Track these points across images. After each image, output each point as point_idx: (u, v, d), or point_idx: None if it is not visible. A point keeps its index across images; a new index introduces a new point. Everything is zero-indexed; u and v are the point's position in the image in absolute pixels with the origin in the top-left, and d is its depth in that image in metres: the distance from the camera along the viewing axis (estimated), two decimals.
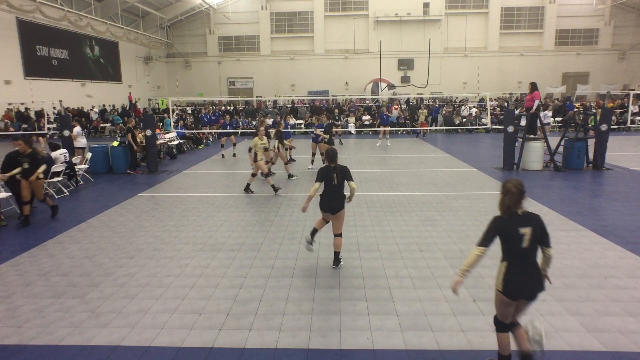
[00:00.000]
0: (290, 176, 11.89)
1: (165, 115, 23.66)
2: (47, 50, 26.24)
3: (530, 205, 8.53)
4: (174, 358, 3.84)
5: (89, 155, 12.43)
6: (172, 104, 25.08)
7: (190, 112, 28.24)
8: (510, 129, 12.37)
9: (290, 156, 14.86)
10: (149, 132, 12.69)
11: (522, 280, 3.26)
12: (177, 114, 25.84)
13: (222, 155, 16.19)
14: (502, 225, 3.27)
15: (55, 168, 10.08)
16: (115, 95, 32.65)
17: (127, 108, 29.72)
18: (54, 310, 4.67)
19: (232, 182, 11.63)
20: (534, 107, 12.11)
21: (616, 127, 23.01)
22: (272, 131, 12.96)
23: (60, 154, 10.58)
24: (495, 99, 30.80)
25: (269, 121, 24.37)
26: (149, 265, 5.87)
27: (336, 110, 26.29)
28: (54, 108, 25.30)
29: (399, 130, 23.59)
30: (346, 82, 40.36)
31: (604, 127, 12.37)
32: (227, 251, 6.37)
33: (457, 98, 34.54)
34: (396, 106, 25.97)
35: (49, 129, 20.36)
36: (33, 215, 8.41)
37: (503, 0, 39.00)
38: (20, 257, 6.25)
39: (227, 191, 10.46)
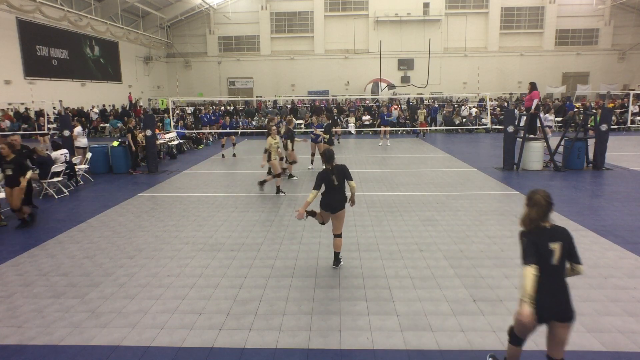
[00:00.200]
0: (290, 176, 11.88)
1: (165, 115, 23.66)
2: (47, 50, 26.24)
3: None
4: (174, 358, 3.84)
5: (89, 155, 12.43)
6: (172, 104, 25.06)
7: (190, 112, 28.24)
8: (510, 129, 12.37)
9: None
10: (149, 132, 12.69)
11: (552, 300, 3.00)
12: (177, 113, 25.86)
13: (222, 155, 16.19)
14: (533, 238, 3.04)
15: (56, 168, 10.08)
16: (115, 95, 32.65)
17: (127, 108, 29.73)
18: (54, 310, 4.67)
19: (232, 182, 11.63)
20: (533, 107, 12.11)
21: (616, 127, 23.01)
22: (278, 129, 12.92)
23: (61, 154, 10.59)
24: (495, 99, 30.79)
25: None
26: (149, 265, 5.87)
27: (335, 110, 26.28)
28: (54, 108, 25.29)
29: (399, 130, 23.59)
30: (347, 82, 40.33)
31: (604, 127, 12.37)
32: (227, 251, 6.37)
33: (459, 98, 34.52)
34: (396, 106, 25.97)
35: (49, 128, 20.35)
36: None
37: (503, 0, 39.00)
38: (20, 257, 6.25)
39: (227, 191, 10.46)
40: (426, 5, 38.98)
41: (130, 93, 34.21)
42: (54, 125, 21.94)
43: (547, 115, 19.82)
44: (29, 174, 7.73)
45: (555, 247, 3.02)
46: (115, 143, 13.36)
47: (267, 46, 40.91)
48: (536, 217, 3.05)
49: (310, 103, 31.71)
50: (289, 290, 5.08)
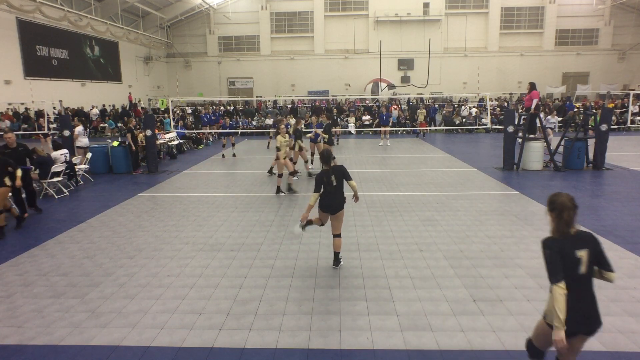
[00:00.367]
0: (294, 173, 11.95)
1: (165, 115, 23.67)
2: (47, 50, 26.23)
3: (530, 205, 8.58)
4: (174, 358, 3.83)
5: (89, 155, 12.43)
6: (172, 104, 25.06)
7: (190, 112, 28.23)
8: (510, 129, 12.37)
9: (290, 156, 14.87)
10: (149, 132, 12.69)
11: (580, 312, 2.76)
12: (177, 113, 25.86)
13: (223, 155, 16.20)
14: (557, 247, 2.78)
15: (56, 168, 10.08)
16: (116, 95, 32.65)
17: (127, 108, 29.72)
18: (54, 310, 4.67)
19: (232, 182, 11.63)
20: (533, 107, 12.12)
21: (616, 127, 23.00)
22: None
23: (61, 154, 10.58)
24: (495, 99, 30.79)
25: (269, 121, 24.49)
26: (149, 265, 5.87)
27: (335, 110, 26.26)
28: (54, 108, 25.30)
29: (399, 130, 23.60)
30: (349, 85, 40.31)
31: (604, 127, 12.37)
32: (227, 251, 6.37)
33: (460, 99, 34.49)
34: (395, 106, 25.98)
35: (49, 128, 20.35)
36: (32, 216, 8.41)
37: (503, 0, 39.00)
38: (20, 257, 6.25)
39: (227, 191, 10.46)
40: (426, 5, 38.97)
41: (130, 93, 34.20)
42: (54, 125, 21.94)
43: (549, 117, 19.81)
44: (19, 172, 7.47)
45: (582, 254, 2.77)
46: (115, 143, 13.36)
47: (267, 46, 40.90)
48: (570, 220, 2.77)
49: (311, 103, 31.70)
50: (289, 290, 5.08)
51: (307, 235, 6.85)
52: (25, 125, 23.39)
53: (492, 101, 27.62)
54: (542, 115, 14.99)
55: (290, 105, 30.41)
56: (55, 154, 10.47)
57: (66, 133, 12.83)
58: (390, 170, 12.88)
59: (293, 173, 10.23)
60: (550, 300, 2.83)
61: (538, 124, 12.75)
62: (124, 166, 13.10)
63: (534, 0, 39.02)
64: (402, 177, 11.78)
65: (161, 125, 19.54)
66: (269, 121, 24.59)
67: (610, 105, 23.44)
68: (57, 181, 10.32)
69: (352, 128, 24.38)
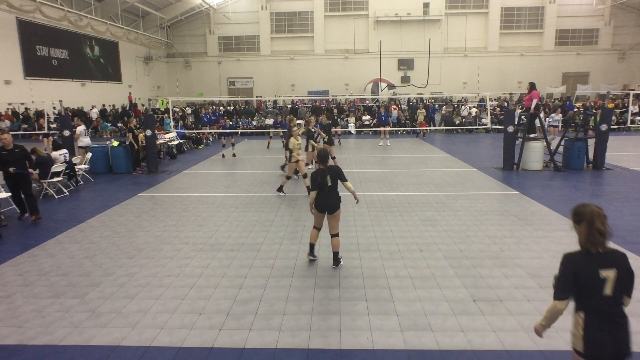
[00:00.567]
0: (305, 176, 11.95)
1: (165, 115, 23.67)
2: (47, 50, 26.23)
3: (530, 205, 8.58)
4: (174, 358, 3.83)
5: (89, 155, 12.44)
6: (172, 104, 25.05)
7: (190, 112, 28.22)
8: (510, 129, 12.37)
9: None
10: (149, 132, 12.70)
11: (609, 338, 2.50)
12: (177, 113, 25.87)
13: (223, 155, 16.20)
14: (577, 265, 2.53)
15: (55, 168, 10.08)
16: (116, 95, 32.65)
17: (127, 108, 29.71)
18: (54, 310, 4.67)
19: (232, 182, 11.63)
20: (532, 106, 12.12)
21: (616, 127, 23.00)
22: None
23: (60, 154, 10.58)
24: (495, 99, 30.79)
25: (269, 121, 24.48)
26: (149, 265, 5.87)
27: (336, 110, 26.24)
28: (54, 108, 25.29)
29: (399, 131, 23.60)
30: (347, 84, 40.32)
31: (604, 127, 12.37)
32: (227, 251, 6.37)
33: (462, 99, 34.48)
34: (394, 106, 25.98)
35: (49, 128, 20.35)
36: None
37: (503, 0, 38.99)
38: (20, 257, 6.25)
39: (227, 191, 10.46)
40: (426, 5, 38.95)
41: (130, 93, 34.20)
42: (54, 125, 21.94)
43: (553, 114, 19.83)
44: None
45: (609, 274, 2.49)
46: (115, 143, 13.37)
47: (267, 46, 40.89)
48: (603, 230, 2.49)
49: (312, 103, 31.70)
50: (289, 290, 5.08)
51: (307, 235, 6.84)
52: (25, 125, 23.39)
53: (492, 101, 27.62)
54: (542, 115, 15.00)
55: (290, 105, 30.41)
56: (54, 154, 10.47)
57: (66, 133, 12.83)
58: (390, 170, 12.87)
59: (289, 178, 10.08)
60: (575, 326, 2.64)
61: (538, 124, 12.75)
62: (124, 166, 13.11)
63: (534, 0, 39.01)
64: (402, 177, 11.78)
65: (161, 125, 19.56)
66: (269, 121, 24.58)
67: (610, 105, 23.43)
68: (57, 181, 10.32)
69: (352, 128, 24.38)
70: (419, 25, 38.70)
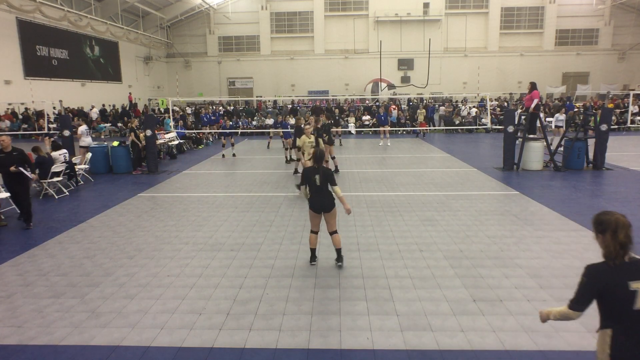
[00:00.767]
0: (295, 171, 12.01)
1: (166, 115, 23.67)
2: (47, 50, 26.22)
3: (530, 205, 8.58)
4: (174, 358, 3.83)
5: (89, 155, 12.44)
6: (172, 104, 25.06)
7: (190, 112, 28.21)
8: (510, 129, 12.37)
9: (290, 156, 14.88)
10: (149, 132, 12.70)
11: (637, 356, 2.33)
12: (177, 112, 25.87)
13: (223, 155, 16.20)
14: (603, 278, 2.36)
15: (55, 168, 10.08)
16: (116, 95, 32.65)
17: (127, 108, 29.71)
18: (54, 310, 4.67)
19: (232, 182, 11.63)
20: (533, 106, 12.12)
21: (616, 127, 23.00)
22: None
23: (60, 154, 10.58)
24: (495, 99, 30.79)
25: (269, 121, 24.48)
26: (149, 265, 5.87)
27: (337, 111, 26.20)
28: (54, 108, 25.30)
29: (399, 131, 23.60)
30: (347, 84, 40.33)
31: (604, 127, 12.37)
32: (227, 251, 6.37)
33: (463, 99, 34.46)
34: (394, 107, 25.98)
35: (49, 129, 20.36)
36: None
37: (503, 0, 38.99)
38: (20, 257, 6.25)
39: (227, 191, 10.46)
40: (426, 5, 38.94)
41: (130, 93, 34.19)
42: (54, 125, 21.95)
43: (557, 115, 19.84)
44: None
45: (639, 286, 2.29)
46: (116, 143, 13.38)
47: (267, 46, 40.89)
48: (628, 241, 2.33)
49: (311, 103, 31.68)
50: (289, 290, 5.08)
51: (307, 235, 6.84)
52: (25, 125, 23.39)
53: (492, 101, 27.62)
54: (542, 115, 15.00)
55: (290, 105, 30.40)
56: (54, 154, 10.47)
57: (66, 133, 12.83)
58: (390, 170, 12.87)
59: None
60: (601, 344, 2.51)
61: (538, 124, 12.75)
62: (124, 166, 13.12)
63: (534, 0, 39.00)
64: (402, 177, 11.78)
65: (160, 125, 19.56)
66: (269, 121, 24.58)
67: (610, 106, 23.44)
68: (57, 181, 10.32)
69: (352, 128, 24.38)
70: (419, 25, 38.70)
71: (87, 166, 12.22)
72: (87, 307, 4.74)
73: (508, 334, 4.08)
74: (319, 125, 12.09)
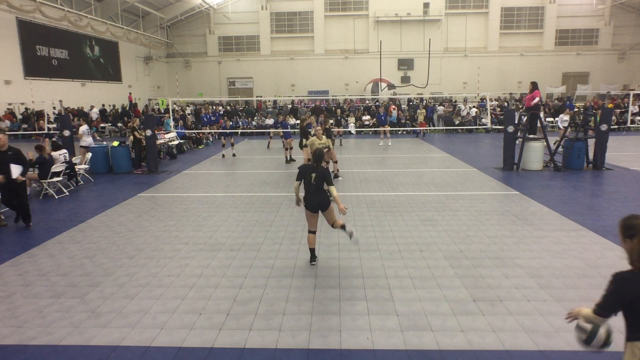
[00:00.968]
0: (335, 176, 11.95)
1: (166, 115, 23.67)
2: (47, 50, 26.22)
3: (530, 205, 8.58)
4: (174, 358, 3.83)
5: (89, 155, 12.44)
6: (172, 104, 25.06)
7: (189, 113, 28.20)
8: (510, 129, 12.37)
9: (290, 156, 14.88)
10: (149, 132, 12.71)
11: None
12: (178, 112, 25.88)
13: (223, 155, 16.20)
14: (632, 287, 2.22)
15: (55, 168, 10.08)
16: (116, 95, 32.64)
17: (127, 108, 29.70)
18: (54, 310, 4.67)
19: (232, 182, 11.63)
20: (533, 103, 12.11)
21: (616, 127, 23.00)
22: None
23: (60, 154, 10.58)
24: (495, 99, 30.78)
25: (270, 121, 24.48)
26: (149, 265, 5.87)
27: (339, 111, 26.07)
28: (54, 108, 25.30)
29: (399, 131, 23.60)
30: (347, 84, 40.33)
31: (604, 127, 12.37)
32: (227, 251, 6.37)
33: (464, 99, 34.45)
34: (393, 107, 25.99)
35: (49, 129, 20.36)
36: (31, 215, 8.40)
37: (503, 0, 38.98)
38: (20, 257, 6.25)
39: (227, 191, 10.46)
40: (426, 5, 38.93)
41: (130, 93, 34.19)
42: (54, 125, 21.96)
43: (562, 115, 19.83)
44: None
45: None
46: (116, 143, 13.39)
47: (267, 46, 40.88)
48: None
49: (312, 103, 31.68)
50: (289, 290, 5.08)
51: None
52: (25, 125, 23.39)
53: (492, 101, 27.61)
54: (542, 115, 14.99)
55: (290, 105, 30.40)
56: (54, 154, 10.47)
57: (66, 133, 12.84)
58: (390, 170, 12.87)
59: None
60: (629, 358, 2.40)
61: (538, 124, 12.75)
62: (124, 166, 13.14)
63: (534, 0, 38.99)
64: (402, 177, 11.78)
65: (160, 125, 19.57)
66: (269, 121, 24.58)
67: (610, 106, 23.44)
68: (57, 181, 10.32)
69: (352, 128, 24.38)
70: (419, 25, 38.69)
71: (87, 166, 12.22)
72: (87, 307, 4.74)
73: (508, 334, 4.08)
74: (327, 126, 12.04)
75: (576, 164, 12.43)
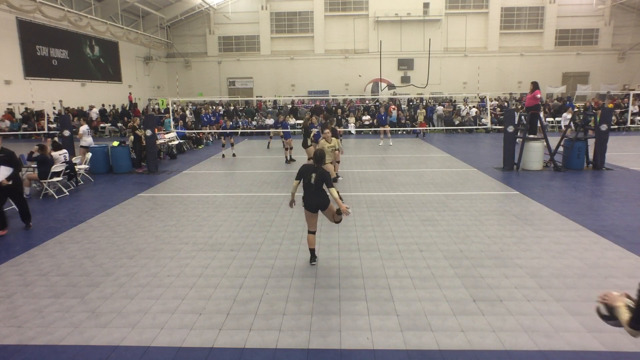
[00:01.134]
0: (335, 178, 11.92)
1: (166, 115, 23.67)
2: (47, 50, 26.22)
3: (530, 205, 8.58)
4: (174, 358, 3.83)
5: (89, 155, 12.44)
6: (172, 104, 25.05)
7: (189, 113, 28.20)
8: (510, 129, 12.37)
9: (290, 156, 14.88)
10: (149, 132, 12.71)
11: None
12: (178, 112, 25.87)
13: (223, 155, 16.19)
14: None
15: (55, 168, 10.09)
16: (116, 95, 32.64)
17: (127, 108, 29.70)
18: (54, 310, 4.67)
19: (232, 182, 11.63)
20: (539, 96, 12.16)
21: (616, 127, 23.00)
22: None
23: (60, 154, 10.58)
24: (495, 99, 30.78)
25: (270, 121, 24.48)
26: (149, 265, 5.87)
27: (340, 111, 26.05)
28: (54, 108, 25.31)
29: (399, 131, 23.60)
30: (347, 84, 40.33)
31: (604, 127, 12.37)
32: (227, 251, 6.37)
33: (462, 99, 34.46)
34: (393, 107, 26.00)
35: (49, 129, 20.36)
36: (31, 215, 8.40)
37: (503, 0, 38.99)
38: (20, 257, 6.25)
39: (227, 191, 10.46)
40: (426, 5, 38.95)
41: (130, 93, 34.19)
42: (54, 125, 21.96)
43: (565, 114, 19.83)
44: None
45: None
46: (116, 143, 13.39)
47: (267, 46, 40.89)
48: None
49: (312, 103, 31.68)
50: (289, 290, 5.08)
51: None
52: (25, 125, 23.39)
53: (492, 101, 27.61)
54: (542, 114, 15.00)
55: (290, 105, 30.40)
56: (54, 154, 10.47)
57: (66, 133, 12.84)
58: (390, 170, 12.87)
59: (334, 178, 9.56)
60: None
61: (538, 124, 12.75)
62: (124, 166, 13.14)
63: (534, 0, 39.01)
64: (402, 177, 11.78)
65: (161, 125, 19.57)
66: (269, 121, 24.58)
67: (610, 106, 23.45)
68: (57, 181, 10.32)
69: (352, 128, 24.38)
70: (419, 25, 38.70)
71: (87, 166, 12.22)
72: (87, 307, 4.74)
73: (508, 334, 4.08)
74: (333, 126, 11.96)
75: (576, 164, 12.43)
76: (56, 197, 9.94)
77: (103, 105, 28.86)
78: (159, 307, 4.71)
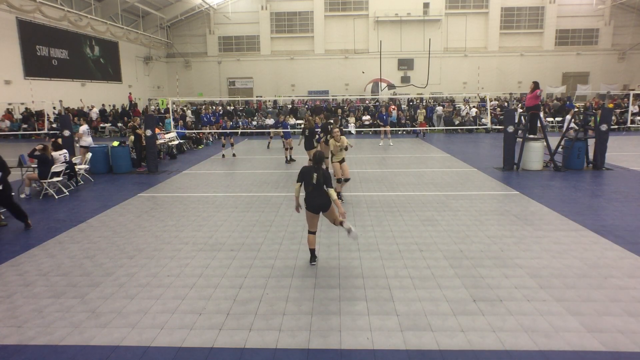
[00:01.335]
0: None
1: (166, 115, 23.67)
2: (47, 50, 26.22)
3: (530, 205, 8.58)
4: (174, 358, 3.83)
5: (89, 155, 12.44)
6: (172, 104, 25.05)
7: (190, 114, 28.20)
8: (510, 129, 12.37)
9: (290, 156, 14.88)
10: (149, 132, 12.71)
11: None
12: (178, 112, 25.87)
13: (223, 155, 16.19)
14: None
15: (55, 168, 10.09)
16: (116, 95, 32.64)
17: (127, 108, 29.70)
18: (54, 310, 4.67)
19: (232, 182, 11.63)
20: (539, 93, 12.17)
21: (616, 127, 23.00)
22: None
23: (60, 154, 10.58)
24: (495, 99, 30.78)
25: (270, 121, 24.48)
26: (149, 265, 5.87)
27: (340, 111, 26.02)
28: (54, 108, 25.30)
29: (399, 131, 23.60)
30: (347, 84, 40.33)
31: (604, 127, 12.37)
32: (227, 251, 6.37)
33: (462, 99, 34.44)
34: (393, 107, 26.00)
35: (49, 129, 20.35)
36: (31, 217, 8.40)
37: (503, 0, 38.99)
38: (20, 257, 6.25)
39: (227, 191, 10.46)
40: (426, 5, 38.95)
41: (130, 93, 34.19)
42: (54, 125, 21.95)
43: (568, 116, 19.82)
44: None
45: None
46: (115, 143, 13.39)
47: (267, 46, 40.89)
48: None
49: (312, 103, 31.68)
50: (289, 290, 5.08)
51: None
52: (25, 125, 23.39)
53: (492, 101, 27.60)
54: (542, 114, 15.00)
55: (290, 105, 30.39)
56: (55, 154, 10.47)
57: (66, 133, 12.84)
58: (390, 170, 12.87)
59: (340, 180, 9.19)
60: None
61: (538, 124, 12.75)
62: (124, 166, 13.14)
63: (534, 0, 39.01)
64: (402, 177, 11.78)
65: (161, 125, 19.57)
66: (269, 121, 24.58)
67: (610, 106, 23.45)
68: (57, 181, 10.32)
69: (352, 128, 24.38)
70: (419, 25, 38.71)
71: (87, 166, 12.22)
72: (87, 307, 4.74)
73: (508, 334, 4.08)
74: (338, 125, 11.93)
75: (576, 164, 12.43)
76: (56, 197, 9.94)
77: (103, 105, 28.85)
78: (159, 307, 4.71)
